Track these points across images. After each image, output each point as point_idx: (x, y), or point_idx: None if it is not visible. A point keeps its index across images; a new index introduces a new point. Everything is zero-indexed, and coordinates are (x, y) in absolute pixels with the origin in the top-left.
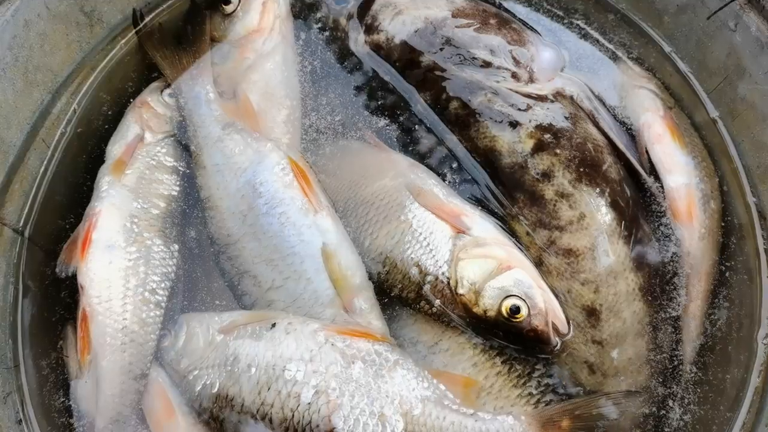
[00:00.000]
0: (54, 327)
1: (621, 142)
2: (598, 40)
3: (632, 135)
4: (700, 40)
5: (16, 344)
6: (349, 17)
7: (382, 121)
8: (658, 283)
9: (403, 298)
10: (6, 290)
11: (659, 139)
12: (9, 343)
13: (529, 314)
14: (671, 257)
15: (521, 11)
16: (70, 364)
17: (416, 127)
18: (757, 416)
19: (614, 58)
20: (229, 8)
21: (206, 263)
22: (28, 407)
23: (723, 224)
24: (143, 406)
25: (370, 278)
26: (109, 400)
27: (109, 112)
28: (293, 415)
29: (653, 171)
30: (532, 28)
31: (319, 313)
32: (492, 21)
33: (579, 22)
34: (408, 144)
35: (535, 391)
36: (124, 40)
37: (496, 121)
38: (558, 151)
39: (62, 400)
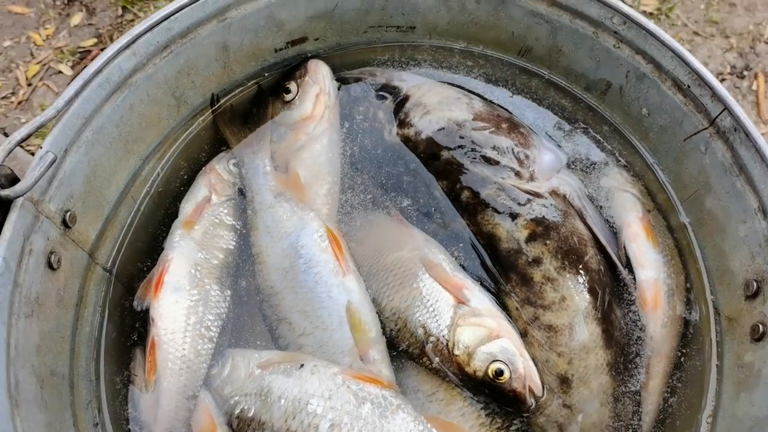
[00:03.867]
0: (128, 350)
1: (603, 238)
2: (593, 147)
3: (614, 232)
4: (678, 156)
5: (98, 362)
6: (386, 112)
7: (406, 201)
8: (622, 361)
9: (409, 352)
10: (94, 317)
11: (635, 238)
12: (93, 361)
13: (510, 377)
14: (636, 340)
15: (530, 116)
16: (137, 382)
17: (433, 209)
18: None
19: (606, 163)
20: (288, 97)
21: (252, 309)
22: (104, 414)
23: (683, 316)
24: (192, 421)
25: (384, 334)
26: (166, 415)
27: (185, 176)
28: None
29: (629, 264)
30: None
31: (339, 359)
32: (504, 125)
33: (579, 130)
34: (425, 222)
35: None
36: (201, 118)
37: (498, 211)
38: (548, 241)
39: (129, 410)
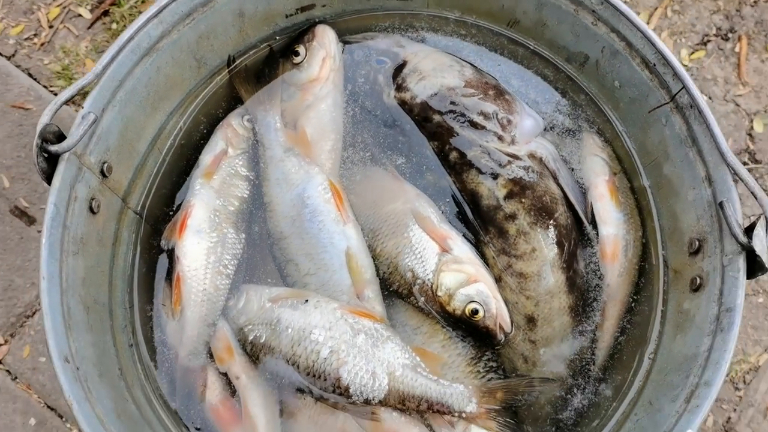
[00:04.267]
0: (157, 283)
1: (573, 197)
2: (570, 114)
3: (584, 191)
4: (643, 126)
5: (132, 292)
6: (385, 76)
7: (400, 159)
8: (582, 305)
9: (399, 292)
10: (127, 254)
11: (601, 198)
12: (127, 291)
13: (484, 316)
14: (595, 287)
15: (515, 84)
16: (164, 311)
17: (424, 167)
18: (633, 407)
19: (580, 129)
20: (297, 59)
21: (263, 251)
22: (138, 336)
23: (638, 267)
24: (211, 345)
25: (377, 275)
26: (189, 339)
27: (204, 130)
28: (313, 365)
29: (594, 221)
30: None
31: (338, 296)
32: (491, 92)
33: (557, 97)
34: (417, 179)
35: (482, 370)
36: (219, 77)
37: (482, 171)
38: (523, 199)
39: (158, 335)
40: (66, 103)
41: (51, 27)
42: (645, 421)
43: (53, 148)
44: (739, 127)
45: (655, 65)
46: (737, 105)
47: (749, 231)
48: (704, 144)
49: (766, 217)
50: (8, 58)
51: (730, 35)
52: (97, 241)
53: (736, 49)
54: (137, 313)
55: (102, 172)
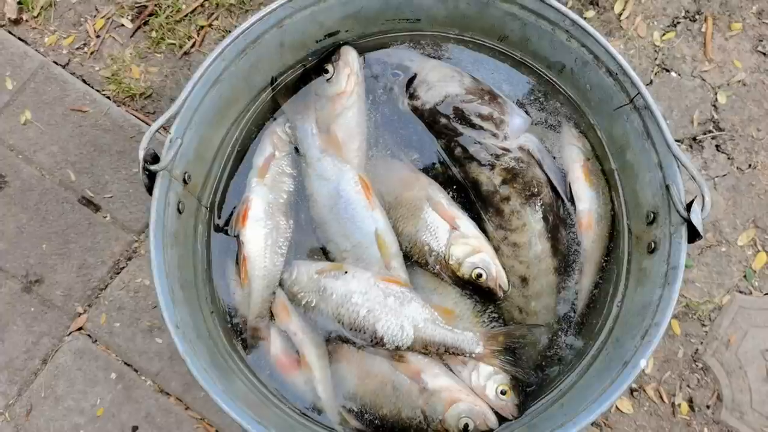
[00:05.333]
0: (227, 263)
1: (555, 180)
2: (551, 112)
3: (564, 175)
4: (610, 120)
5: (209, 270)
6: (399, 87)
7: (415, 155)
8: (564, 266)
9: (419, 262)
10: (203, 243)
11: (577, 180)
12: (206, 269)
13: (486, 278)
14: (574, 251)
15: (506, 88)
16: (233, 285)
17: (435, 160)
18: (604, 344)
19: (559, 123)
20: (327, 76)
21: (308, 233)
22: (217, 304)
23: (608, 234)
24: (273, 309)
25: (401, 249)
26: (256, 306)
27: (256, 138)
28: (354, 322)
29: (572, 198)
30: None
31: (371, 267)
32: (486, 97)
33: (542, 98)
34: (429, 170)
35: (486, 320)
36: (264, 94)
37: (481, 163)
38: (515, 184)
39: (230, 303)
40: (157, 130)
41: (98, 37)
42: (612, 354)
43: (152, 167)
44: (705, 100)
45: (617, 74)
46: (703, 80)
47: (689, 207)
48: (656, 137)
49: (702, 195)
50: (63, 67)
51: (697, 17)
52: (184, 234)
53: (703, 29)
54: (214, 287)
55: (184, 181)
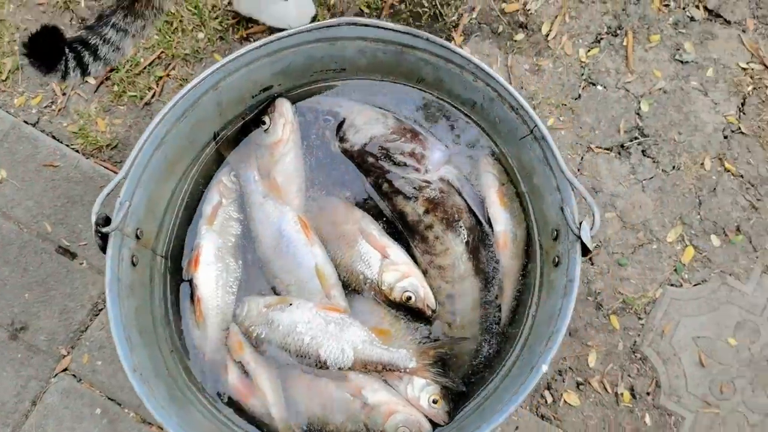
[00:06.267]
0: (183, 303)
1: (474, 205)
2: (468, 143)
3: (481, 200)
4: (518, 148)
5: (168, 314)
6: (331, 131)
7: (348, 192)
8: (486, 283)
9: (356, 290)
10: (160, 289)
11: (493, 204)
12: (164, 314)
13: (416, 300)
14: (493, 269)
15: (426, 124)
16: (190, 324)
17: (366, 196)
18: (521, 351)
19: (477, 154)
20: (264, 127)
21: (256, 271)
22: (176, 343)
23: (524, 251)
24: (227, 343)
25: (340, 279)
26: (211, 341)
27: (203, 189)
28: (300, 349)
29: (490, 221)
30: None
31: (313, 298)
32: (408, 135)
33: (458, 131)
34: (362, 204)
35: (418, 337)
36: (209, 148)
37: (406, 196)
38: (437, 213)
39: (188, 340)
40: (107, 195)
41: (64, 94)
42: (525, 360)
43: (104, 229)
44: (629, 109)
45: (517, 109)
46: (627, 90)
47: (581, 225)
48: (553, 164)
49: (593, 214)
50: (33, 125)
51: (618, 31)
52: (140, 284)
53: (624, 43)
54: (173, 327)
55: (137, 236)
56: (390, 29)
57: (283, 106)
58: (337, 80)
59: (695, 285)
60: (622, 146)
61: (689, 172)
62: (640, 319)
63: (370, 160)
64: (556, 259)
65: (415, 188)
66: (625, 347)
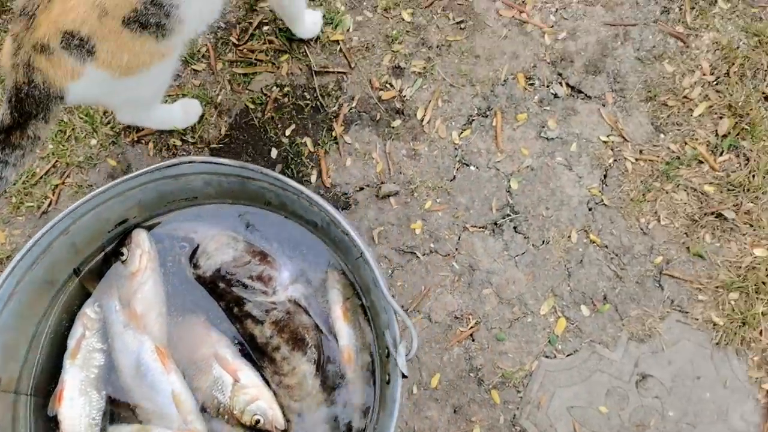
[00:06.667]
0: None
1: (321, 323)
2: (315, 261)
3: (327, 316)
4: (356, 267)
5: None
6: (186, 258)
7: (204, 316)
8: (332, 396)
9: (211, 413)
10: (27, 427)
11: (337, 319)
12: None
13: (264, 422)
14: (339, 381)
15: (275, 245)
16: None
17: (219, 319)
18: None
19: (325, 271)
20: (123, 258)
21: (122, 398)
22: None
23: (370, 363)
24: None
25: (197, 403)
26: None
27: (67, 324)
28: None
29: (335, 336)
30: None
31: (172, 424)
32: (257, 258)
33: (305, 249)
34: (218, 325)
35: None
36: (72, 284)
37: (255, 319)
38: (283, 334)
39: None
40: None
41: None
42: None
43: None
44: (500, 187)
45: (348, 234)
46: (497, 169)
47: (397, 349)
48: (380, 285)
49: (412, 338)
50: None
51: (488, 112)
52: (2, 428)
53: (493, 123)
54: None
55: None
56: (226, 164)
57: (140, 236)
58: (191, 206)
59: (568, 355)
60: (495, 224)
61: (558, 246)
62: (518, 392)
63: (221, 285)
64: (387, 377)
65: (263, 311)
66: (506, 421)
